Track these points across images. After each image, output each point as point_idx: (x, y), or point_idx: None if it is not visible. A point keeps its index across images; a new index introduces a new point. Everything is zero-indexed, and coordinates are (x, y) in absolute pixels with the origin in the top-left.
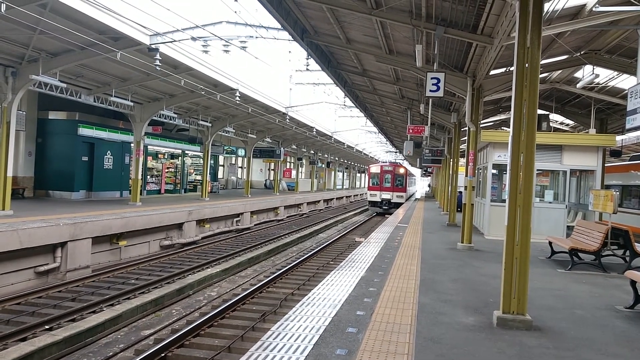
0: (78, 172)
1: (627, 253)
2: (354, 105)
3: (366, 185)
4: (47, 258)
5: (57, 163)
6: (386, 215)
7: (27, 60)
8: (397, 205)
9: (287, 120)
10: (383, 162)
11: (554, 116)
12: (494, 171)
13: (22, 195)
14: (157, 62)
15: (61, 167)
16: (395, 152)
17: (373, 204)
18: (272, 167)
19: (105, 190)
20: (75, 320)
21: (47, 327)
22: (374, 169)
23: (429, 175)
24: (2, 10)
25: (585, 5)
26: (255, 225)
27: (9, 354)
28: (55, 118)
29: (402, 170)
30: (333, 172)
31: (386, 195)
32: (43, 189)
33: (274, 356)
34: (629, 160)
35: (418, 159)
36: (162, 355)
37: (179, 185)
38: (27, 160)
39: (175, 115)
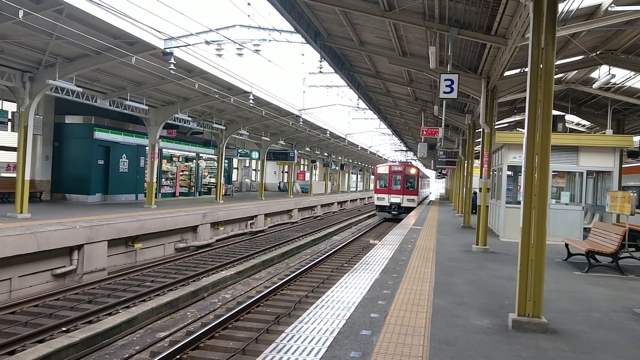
0: (94, 176)
1: None
2: (367, 108)
3: (373, 188)
4: (64, 260)
5: (73, 166)
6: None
7: (44, 66)
8: (408, 210)
9: (301, 123)
10: (392, 162)
11: (569, 117)
12: (509, 173)
13: (40, 198)
14: (172, 66)
15: (77, 170)
16: (406, 150)
17: (381, 208)
18: (286, 170)
19: (121, 193)
20: (92, 322)
21: (64, 329)
22: (382, 169)
23: (444, 177)
24: (20, 17)
25: (600, 5)
26: (269, 227)
27: (27, 355)
28: (72, 122)
29: (413, 171)
30: (347, 174)
31: (395, 199)
32: (60, 192)
33: (288, 358)
34: None
35: (432, 161)
36: (178, 357)
37: (193, 188)
38: (44, 164)
39: (190, 119)
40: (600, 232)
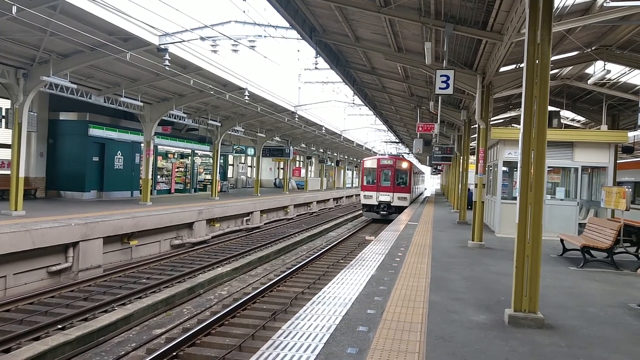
0: (89, 173)
1: None
2: (363, 104)
3: (360, 184)
4: (59, 258)
5: (68, 163)
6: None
7: (38, 62)
8: (399, 209)
9: (296, 119)
10: (381, 155)
11: (565, 113)
12: (505, 168)
13: (34, 195)
14: (167, 62)
15: (72, 167)
16: (398, 142)
17: (368, 208)
18: (282, 166)
19: (116, 190)
20: (88, 319)
21: (59, 326)
22: (369, 163)
23: (439, 173)
24: (13, 13)
25: (596, 0)
26: (265, 224)
27: (22, 353)
28: (66, 119)
29: (404, 165)
30: (342, 171)
31: (384, 197)
32: (55, 190)
33: (285, 355)
34: None
35: (428, 157)
36: (174, 354)
37: (188, 185)
38: (38, 161)
39: (185, 115)
40: (595, 227)
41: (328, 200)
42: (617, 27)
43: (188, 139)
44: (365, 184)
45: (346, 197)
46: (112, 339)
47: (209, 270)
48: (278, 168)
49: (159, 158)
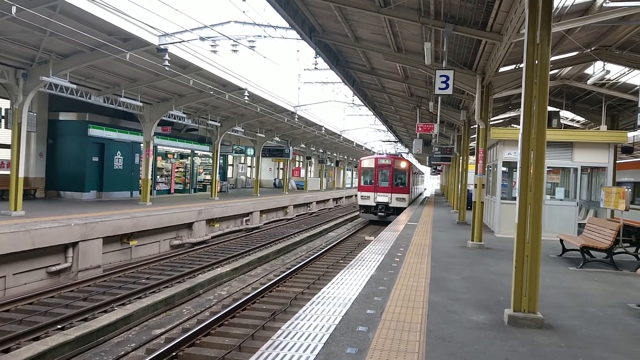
0: (89, 173)
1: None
2: (362, 104)
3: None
4: (59, 258)
5: (68, 164)
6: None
7: (38, 62)
8: (398, 210)
9: (296, 119)
10: (379, 154)
11: (564, 113)
12: (504, 169)
13: (34, 195)
14: (166, 63)
15: (72, 167)
16: (396, 141)
17: (366, 209)
18: (281, 166)
19: (116, 191)
20: (87, 319)
21: (59, 326)
22: (367, 162)
23: (439, 174)
24: (13, 13)
25: (595, 0)
26: (264, 224)
27: (22, 353)
28: (66, 119)
29: (403, 164)
30: (342, 171)
31: (382, 198)
32: (54, 190)
33: (285, 355)
34: None
35: (427, 157)
36: (173, 354)
37: (188, 185)
38: (38, 161)
39: (185, 115)
40: (594, 227)
41: (328, 200)
42: (616, 27)
43: (188, 139)
44: (362, 184)
45: (346, 197)
46: (111, 339)
47: (209, 270)
48: (278, 168)
49: (159, 158)
